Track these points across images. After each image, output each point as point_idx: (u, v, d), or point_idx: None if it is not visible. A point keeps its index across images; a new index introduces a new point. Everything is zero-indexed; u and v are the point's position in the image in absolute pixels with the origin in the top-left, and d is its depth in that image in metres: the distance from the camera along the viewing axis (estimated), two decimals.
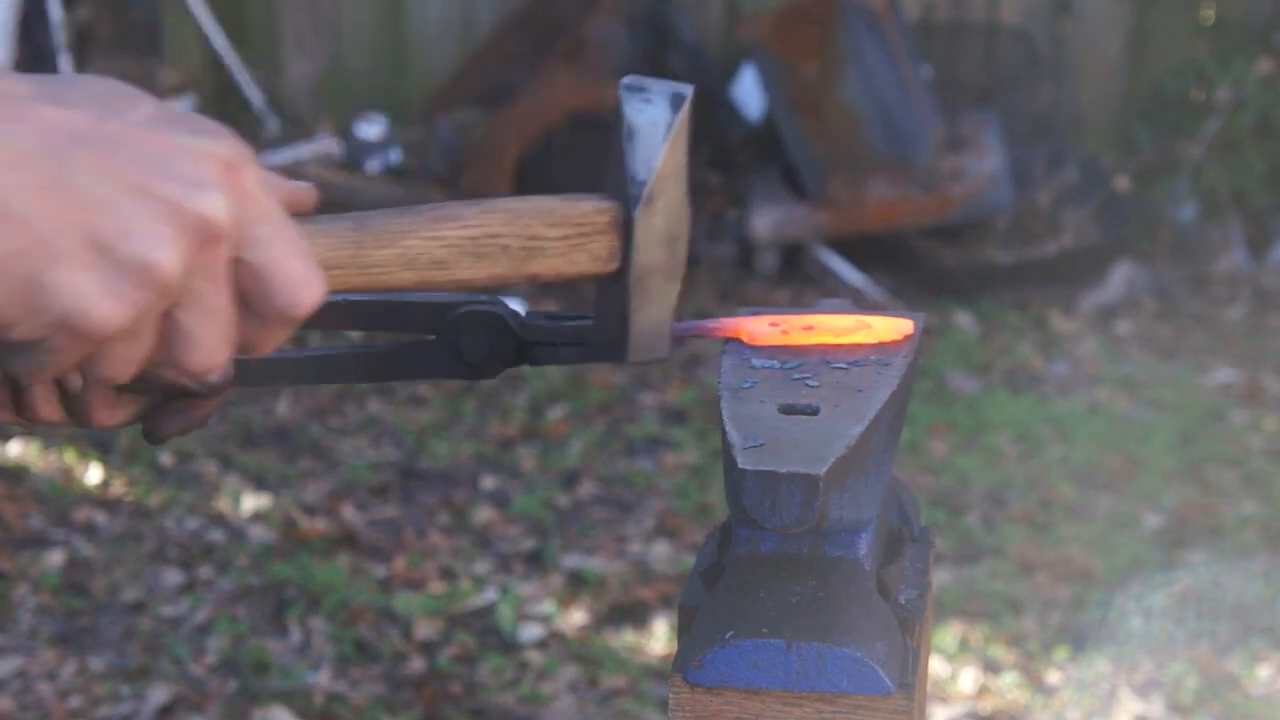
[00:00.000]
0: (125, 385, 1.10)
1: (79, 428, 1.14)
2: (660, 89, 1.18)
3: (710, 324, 1.28)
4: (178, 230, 0.97)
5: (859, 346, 1.26)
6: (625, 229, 1.16)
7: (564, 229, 1.15)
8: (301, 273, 1.02)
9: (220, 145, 1.00)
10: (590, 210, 1.16)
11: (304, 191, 1.09)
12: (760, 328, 1.27)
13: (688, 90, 1.18)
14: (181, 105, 6.45)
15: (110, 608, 4.04)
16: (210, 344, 1.01)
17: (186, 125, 1.00)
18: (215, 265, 0.99)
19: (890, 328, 1.27)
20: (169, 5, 7.07)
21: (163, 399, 1.12)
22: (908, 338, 1.27)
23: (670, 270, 1.19)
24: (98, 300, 0.96)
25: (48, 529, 4.36)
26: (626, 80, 1.19)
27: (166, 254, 0.96)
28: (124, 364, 1.00)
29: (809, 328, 1.27)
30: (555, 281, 1.17)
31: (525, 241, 1.14)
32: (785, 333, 1.26)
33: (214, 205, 0.98)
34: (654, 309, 1.19)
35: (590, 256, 1.16)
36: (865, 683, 1.11)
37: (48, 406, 1.11)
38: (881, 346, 1.26)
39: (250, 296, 1.02)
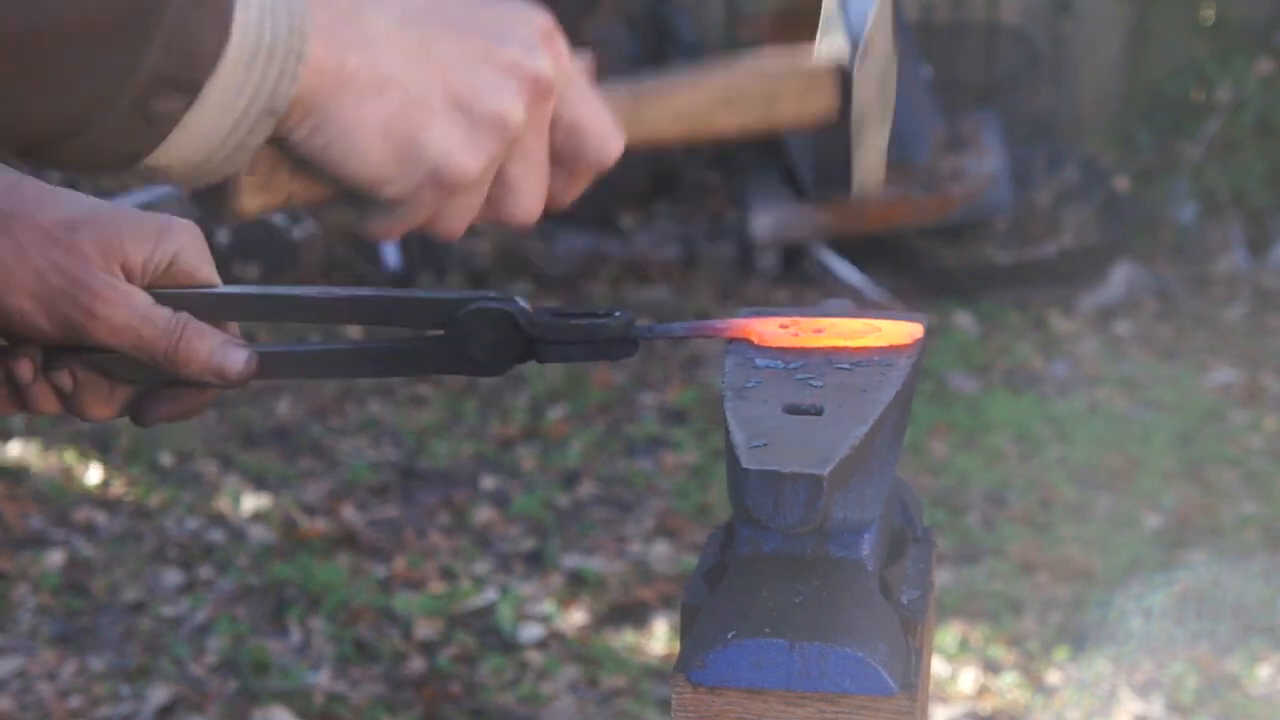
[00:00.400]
0: (120, 377, 1.14)
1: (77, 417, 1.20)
2: None
3: (719, 324, 1.29)
4: (519, 86, 1.09)
5: (866, 349, 1.26)
6: (845, 78, 1.30)
7: (798, 78, 1.30)
8: (607, 126, 1.15)
9: (535, 15, 1.12)
10: (817, 62, 1.31)
11: (590, 59, 1.19)
12: (770, 329, 1.27)
13: None
14: None
15: (110, 608, 4.04)
16: (532, 194, 1.13)
17: (503, 1, 1.13)
18: (543, 119, 1.11)
19: (899, 331, 1.28)
20: None
21: (153, 387, 1.16)
22: (916, 341, 1.28)
23: (883, 114, 1.33)
24: (462, 152, 1.07)
25: (48, 529, 4.36)
26: None
27: (514, 106, 1.08)
28: (465, 216, 1.11)
29: (819, 330, 1.28)
30: (790, 127, 1.30)
31: (767, 91, 1.28)
32: (796, 335, 1.27)
33: (545, 64, 1.10)
34: (872, 148, 1.32)
35: (819, 104, 1.30)
36: (868, 683, 1.11)
37: (46, 401, 1.17)
38: (888, 348, 1.26)
39: (563, 149, 1.14)
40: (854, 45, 1.30)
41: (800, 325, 1.29)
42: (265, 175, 1.07)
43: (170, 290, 1.24)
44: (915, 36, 6.66)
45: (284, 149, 1.06)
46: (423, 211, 1.10)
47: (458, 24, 1.08)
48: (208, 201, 1.07)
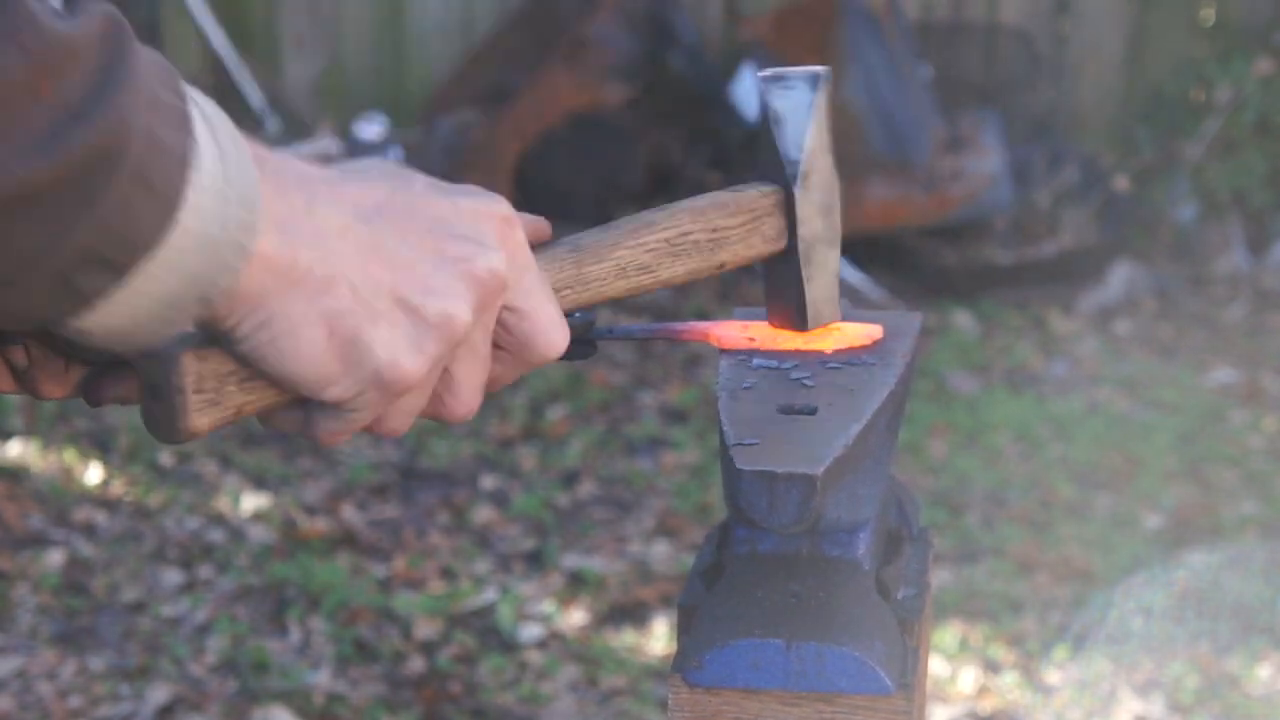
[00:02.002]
0: (77, 356, 1.13)
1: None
2: (797, 74, 1.27)
3: (680, 327, 1.30)
4: (469, 286, 1.07)
5: (823, 351, 1.26)
6: (788, 207, 1.26)
7: (739, 216, 1.26)
8: (556, 318, 1.13)
9: (492, 205, 1.11)
10: (756, 195, 1.26)
11: (542, 225, 1.20)
12: (730, 332, 1.28)
13: (823, 71, 1.27)
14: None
15: (110, 607, 4.04)
16: (473, 390, 1.12)
17: (459, 190, 1.11)
18: (491, 317, 1.10)
19: (858, 333, 1.29)
20: (168, 5, 7.07)
21: (106, 366, 1.15)
22: (876, 342, 1.28)
23: (830, 238, 1.29)
24: (407, 353, 1.05)
25: (48, 529, 4.36)
26: (764, 72, 1.28)
27: (462, 308, 1.06)
28: (409, 415, 1.10)
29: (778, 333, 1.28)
30: (738, 267, 1.27)
31: (710, 234, 1.24)
32: (753, 340, 1.28)
33: (497, 262, 1.08)
34: (822, 277, 1.29)
35: (764, 238, 1.27)
36: (864, 682, 1.11)
37: (3, 380, 1.16)
38: (847, 350, 1.27)
39: (510, 340, 1.12)
40: (793, 173, 1.27)
41: (758, 328, 1.30)
42: (214, 391, 1.04)
43: None
44: (915, 36, 6.67)
45: (228, 346, 1.03)
46: (368, 413, 1.08)
47: (411, 220, 1.07)
48: (158, 422, 1.04)
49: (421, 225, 1.07)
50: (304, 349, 1.02)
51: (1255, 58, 6.80)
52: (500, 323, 1.11)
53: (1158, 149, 6.87)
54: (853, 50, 6.35)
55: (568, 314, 1.19)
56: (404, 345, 1.05)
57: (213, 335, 1.03)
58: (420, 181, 1.10)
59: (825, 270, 1.29)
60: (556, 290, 1.18)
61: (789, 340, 1.27)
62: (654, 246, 1.23)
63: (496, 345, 1.13)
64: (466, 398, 1.12)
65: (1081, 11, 7.11)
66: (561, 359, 1.23)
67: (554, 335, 1.13)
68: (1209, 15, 7.13)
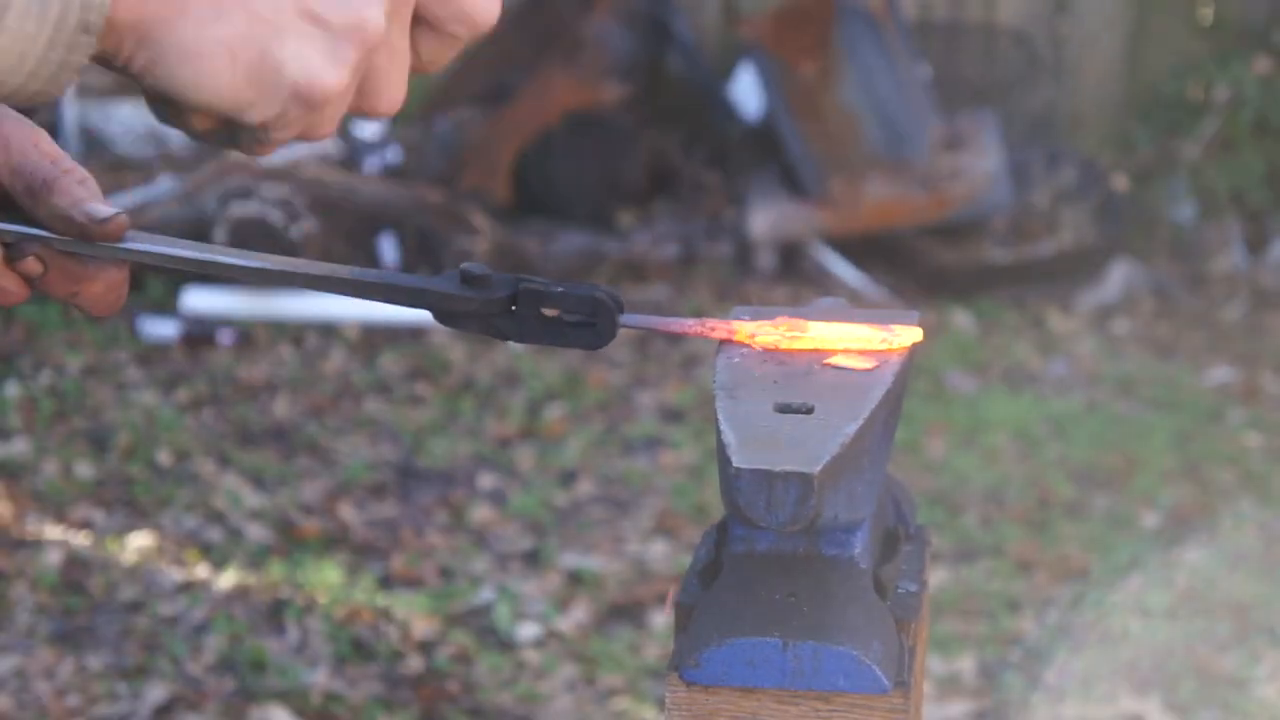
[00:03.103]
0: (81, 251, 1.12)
1: None
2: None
3: (710, 322, 1.28)
4: None
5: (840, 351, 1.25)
6: None
7: None
8: None
9: None
10: None
11: None
12: (750, 329, 1.27)
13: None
14: None
15: (108, 606, 4.04)
16: (396, 84, 1.08)
17: None
18: (406, 9, 1.06)
19: (866, 338, 1.27)
20: None
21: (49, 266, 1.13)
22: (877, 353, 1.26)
23: None
24: (322, 66, 1.02)
25: (45, 527, 4.36)
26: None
27: (373, 10, 1.03)
28: (332, 123, 1.06)
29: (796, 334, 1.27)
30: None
31: None
32: (753, 336, 1.26)
33: None
34: None
35: None
36: (861, 681, 1.11)
37: (18, 289, 1.15)
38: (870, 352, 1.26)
39: (439, 18, 1.08)
40: None
41: (767, 328, 1.28)
42: None
43: (142, 249, 1.19)
44: (913, 36, 6.67)
45: (134, 82, 1.01)
46: (293, 128, 1.04)
47: None
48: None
49: None
50: (207, 78, 0.99)
51: (1254, 57, 6.81)
52: (426, 6, 1.07)
53: (1156, 148, 6.87)
54: (851, 50, 6.35)
55: (557, 284, 1.16)
56: (318, 58, 1.02)
57: (117, 70, 1.00)
58: None
59: None
60: None
61: (795, 340, 1.26)
62: None
63: (429, 24, 1.09)
64: (392, 93, 1.09)
65: (1080, 11, 7.11)
66: (581, 347, 1.22)
67: (485, 6, 1.09)
68: (1207, 15, 7.13)
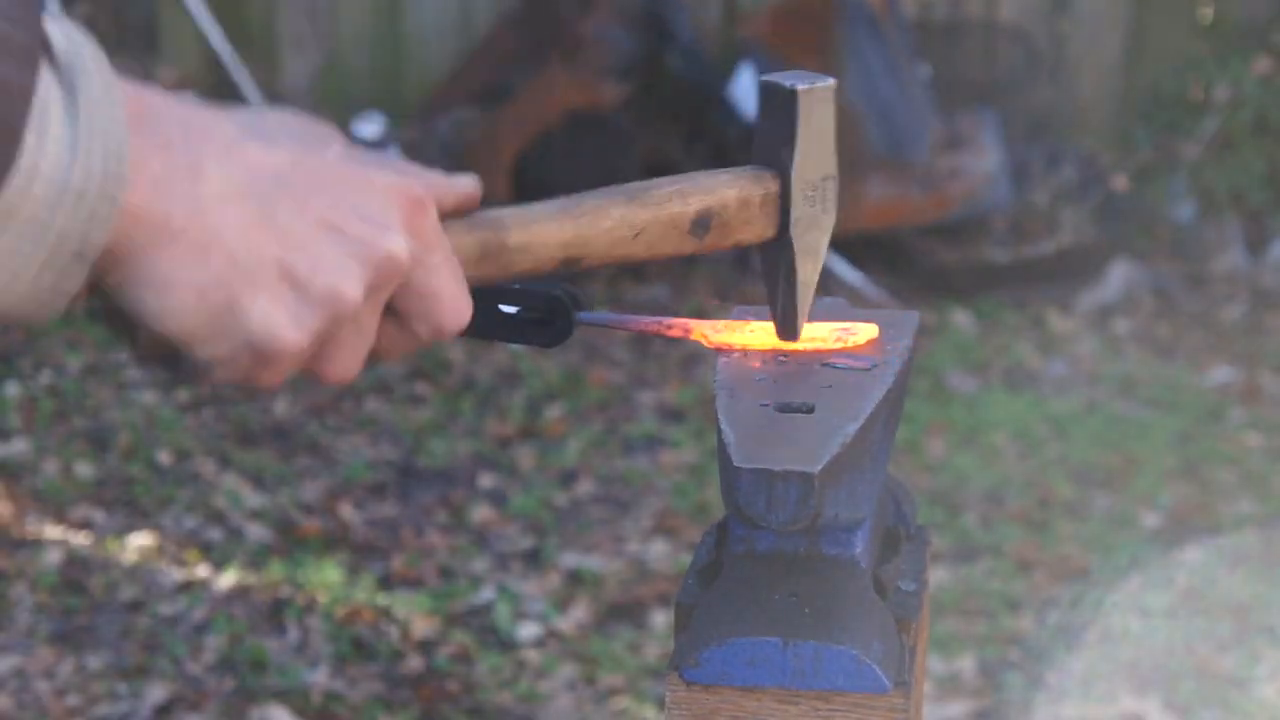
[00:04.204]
0: None
1: None
2: (794, 74, 1.25)
3: (666, 320, 1.28)
4: (363, 267, 1.05)
5: (834, 351, 1.26)
6: (783, 192, 1.24)
7: (731, 199, 1.23)
8: (458, 300, 1.11)
9: (404, 182, 1.08)
10: (749, 184, 1.24)
11: (471, 193, 1.16)
12: (715, 329, 1.27)
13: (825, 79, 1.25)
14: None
15: (108, 606, 4.04)
16: (353, 359, 1.10)
17: (374, 163, 1.09)
18: (383, 297, 1.08)
19: (855, 333, 1.28)
20: (167, 4, 7.07)
21: None
22: (872, 342, 1.27)
23: (823, 224, 1.28)
24: (284, 327, 1.03)
25: (45, 527, 4.36)
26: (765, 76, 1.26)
27: (352, 287, 1.05)
28: (279, 376, 1.08)
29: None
30: (724, 248, 1.24)
31: (685, 213, 1.21)
32: (743, 339, 1.26)
33: (398, 245, 1.06)
34: (809, 265, 1.28)
35: (756, 228, 1.25)
36: (862, 680, 1.11)
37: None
38: (867, 347, 1.26)
39: (408, 312, 1.10)
40: (788, 155, 1.24)
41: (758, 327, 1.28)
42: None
43: None
44: (913, 35, 6.67)
45: (105, 298, 1.02)
46: (238, 372, 1.06)
47: (312, 192, 1.05)
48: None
49: (323, 198, 1.05)
50: (172, 308, 1.01)
51: (1254, 57, 6.80)
52: (402, 298, 1.10)
53: (1156, 148, 6.87)
54: (851, 49, 6.35)
55: (512, 283, 1.16)
56: (283, 318, 1.03)
57: (93, 287, 1.01)
58: (335, 149, 1.08)
59: (815, 259, 1.29)
60: (476, 258, 1.15)
61: (780, 339, 1.26)
62: (613, 225, 1.19)
63: (397, 316, 1.11)
64: (345, 366, 1.10)
65: (1080, 10, 7.11)
66: (537, 345, 1.22)
67: (453, 316, 1.11)
68: (1207, 14, 7.13)
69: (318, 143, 1.07)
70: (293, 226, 1.03)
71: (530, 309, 1.23)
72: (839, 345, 1.27)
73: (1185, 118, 6.84)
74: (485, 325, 1.22)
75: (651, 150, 6.73)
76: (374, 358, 1.13)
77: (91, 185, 0.95)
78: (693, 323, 1.27)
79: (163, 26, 7.18)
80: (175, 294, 1.01)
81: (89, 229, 0.96)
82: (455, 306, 1.11)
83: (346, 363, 1.10)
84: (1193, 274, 6.58)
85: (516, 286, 1.22)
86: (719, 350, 1.26)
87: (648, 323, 1.28)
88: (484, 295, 1.20)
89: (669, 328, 1.27)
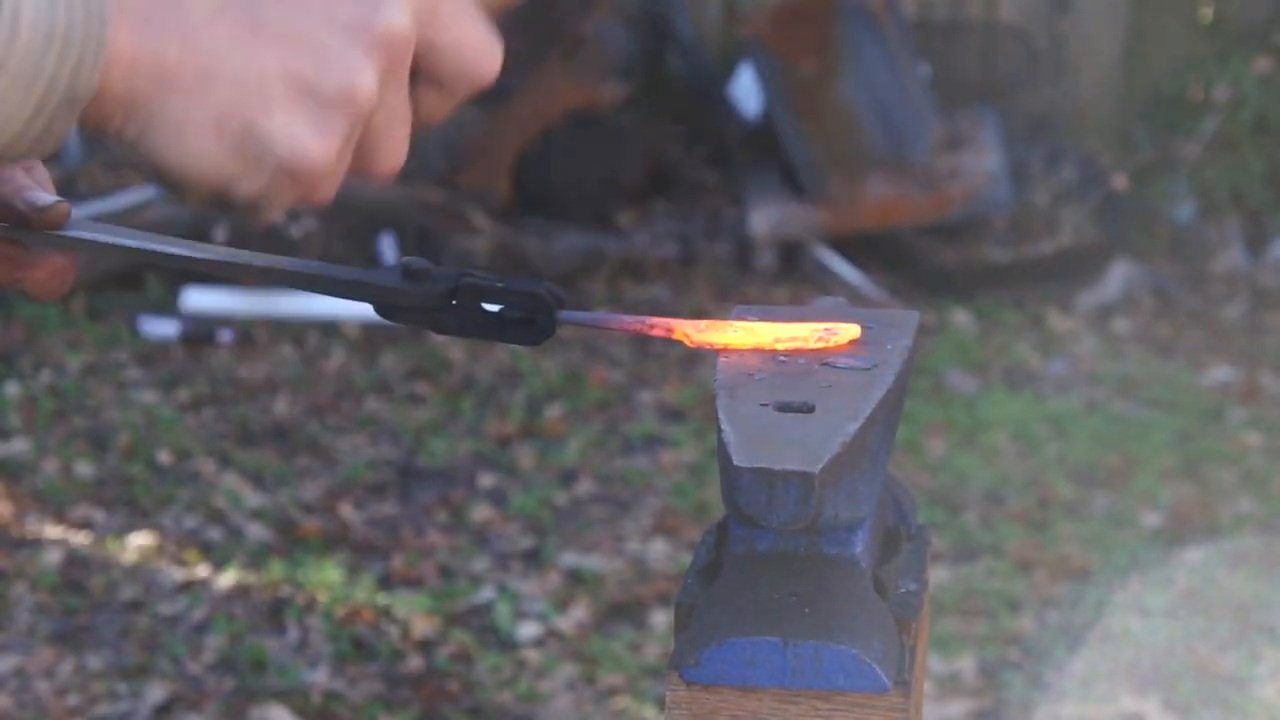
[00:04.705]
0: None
1: None
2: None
3: (647, 320, 1.27)
4: (369, 49, 0.99)
5: (816, 349, 1.26)
6: None
7: None
8: (486, 42, 1.05)
9: None
10: None
11: None
12: (696, 329, 1.27)
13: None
14: None
15: (108, 606, 4.04)
16: (396, 143, 1.05)
17: None
18: (402, 72, 1.02)
19: (833, 333, 1.27)
20: None
21: None
22: (854, 342, 1.26)
23: None
24: (311, 138, 0.98)
25: (45, 527, 4.36)
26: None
27: (364, 76, 0.99)
28: (330, 189, 1.02)
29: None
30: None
31: None
32: (701, 330, 1.26)
33: (395, 14, 0.99)
34: None
35: None
36: (862, 680, 1.11)
37: None
38: (851, 346, 1.26)
39: (439, 71, 1.04)
40: None
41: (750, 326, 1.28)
42: None
43: (82, 237, 1.18)
44: (913, 35, 6.67)
45: (122, 152, 0.99)
46: (286, 198, 1.01)
47: None
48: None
49: None
50: (194, 152, 0.97)
51: (1254, 56, 6.81)
52: (424, 61, 1.04)
53: (1156, 147, 6.87)
54: (851, 49, 6.35)
55: (498, 280, 1.15)
56: (307, 130, 0.98)
57: (107, 138, 0.98)
58: None
59: None
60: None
61: (767, 339, 1.26)
62: None
63: (428, 80, 1.05)
64: (392, 153, 1.06)
65: (1080, 10, 7.11)
66: (519, 343, 1.21)
67: (486, 57, 1.05)
68: (1207, 14, 7.13)
69: None
70: (286, 29, 0.98)
71: (513, 307, 1.22)
72: (820, 345, 1.26)
73: (1185, 118, 6.84)
74: (467, 324, 1.21)
75: (652, 149, 6.74)
76: (420, 127, 1.07)
77: (75, 29, 0.92)
78: (675, 322, 1.26)
79: None
80: (191, 134, 0.96)
81: (77, 72, 0.93)
82: (484, 49, 1.05)
83: (392, 150, 1.05)
84: (1193, 274, 6.59)
85: (499, 285, 1.21)
86: (700, 350, 1.26)
87: (629, 322, 1.27)
88: (467, 294, 1.20)
89: (651, 327, 1.26)
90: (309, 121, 0.98)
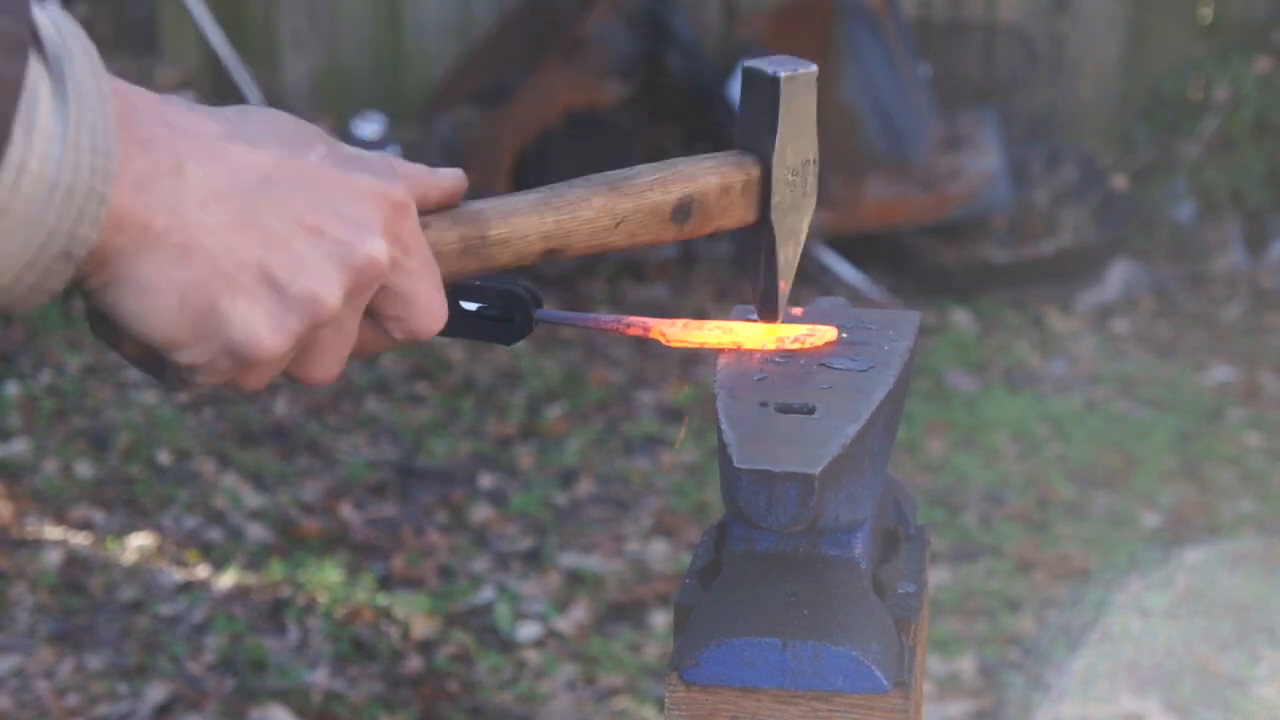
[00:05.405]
0: None
1: None
2: (777, 60, 1.27)
3: (626, 319, 1.27)
4: (343, 270, 1.04)
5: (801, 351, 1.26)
6: (764, 178, 1.25)
7: (712, 184, 1.24)
8: (435, 304, 1.12)
9: (386, 186, 1.07)
10: (731, 169, 1.25)
11: (455, 187, 1.16)
12: (675, 328, 1.27)
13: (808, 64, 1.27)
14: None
15: (108, 606, 4.04)
16: (334, 360, 1.10)
17: (358, 164, 1.07)
18: (363, 300, 1.08)
19: (813, 335, 1.28)
20: (167, 4, 7.07)
21: None
22: (832, 343, 1.27)
23: (804, 207, 1.29)
24: (265, 330, 1.03)
25: (45, 527, 4.36)
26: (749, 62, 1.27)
27: (331, 291, 1.04)
28: (263, 379, 1.07)
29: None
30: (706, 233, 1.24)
31: (665, 201, 1.21)
32: (678, 330, 1.26)
33: (378, 249, 1.06)
34: (791, 247, 1.28)
35: (736, 214, 1.25)
36: (861, 681, 1.11)
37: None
38: (833, 345, 1.26)
39: (386, 314, 1.11)
40: (770, 144, 1.25)
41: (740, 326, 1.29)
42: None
43: None
44: (913, 35, 6.67)
45: (84, 299, 1.01)
46: (219, 376, 1.05)
47: (294, 193, 1.03)
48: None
49: (305, 200, 1.04)
50: (153, 312, 1.00)
51: (1253, 56, 6.80)
52: (379, 300, 1.09)
53: (1156, 148, 6.87)
54: (851, 49, 6.35)
55: (476, 278, 1.17)
56: (264, 321, 1.02)
57: (72, 288, 1.00)
58: (319, 150, 1.06)
59: (795, 241, 1.29)
60: (458, 252, 1.15)
61: (749, 340, 1.26)
62: (595, 214, 1.19)
63: (374, 317, 1.11)
64: (326, 368, 1.10)
65: (1080, 10, 7.11)
66: (496, 341, 1.22)
67: (430, 319, 1.12)
68: (1207, 14, 7.13)
69: (301, 144, 1.06)
70: (274, 228, 1.02)
71: (490, 305, 1.23)
72: (796, 346, 1.27)
73: (1185, 118, 6.84)
74: (449, 323, 1.22)
75: (652, 150, 6.73)
76: (350, 357, 1.12)
77: (80, 182, 0.94)
78: (652, 321, 1.26)
79: (163, 26, 7.17)
80: (155, 297, 1.00)
81: (77, 227, 0.95)
82: (431, 311, 1.12)
83: (327, 365, 1.10)
84: (1192, 273, 6.58)
85: (477, 283, 1.22)
86: (676, 347, 1.27)
87: (607, 321, 1.28)
88: (446, 292, 1.20)
89: (628, 326, 1.26)
90: (269, 315, 1.03)
